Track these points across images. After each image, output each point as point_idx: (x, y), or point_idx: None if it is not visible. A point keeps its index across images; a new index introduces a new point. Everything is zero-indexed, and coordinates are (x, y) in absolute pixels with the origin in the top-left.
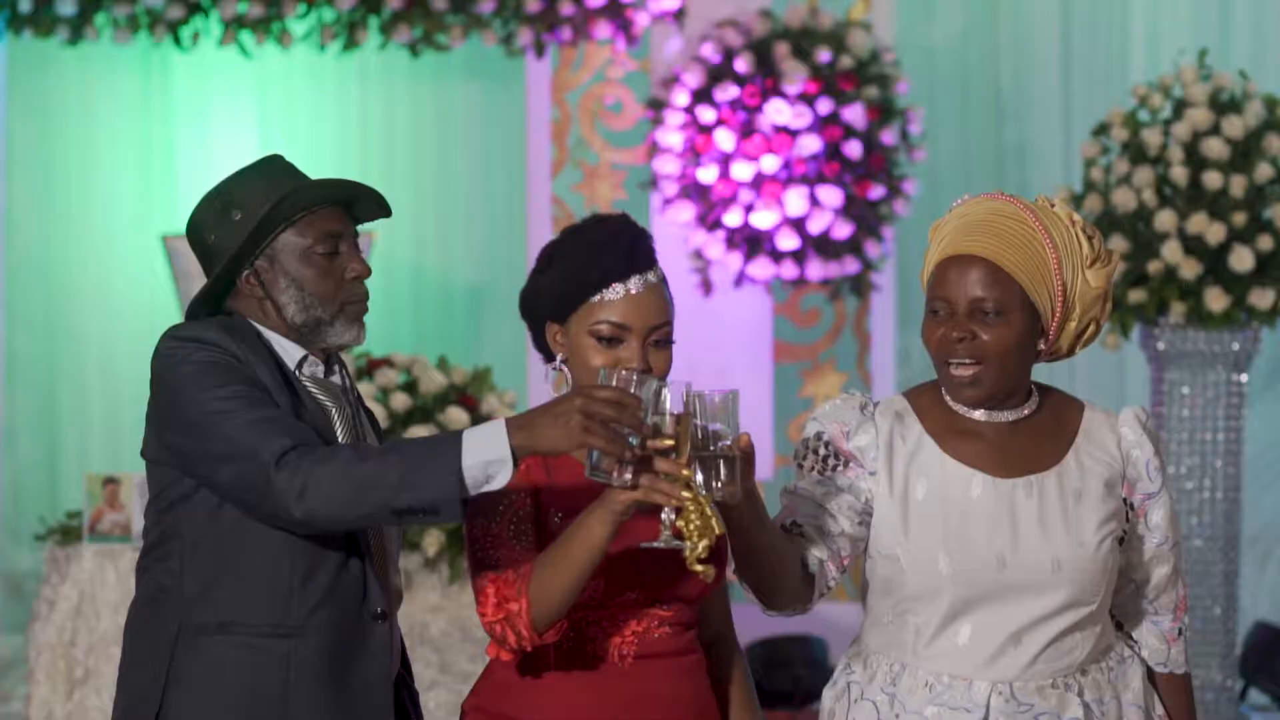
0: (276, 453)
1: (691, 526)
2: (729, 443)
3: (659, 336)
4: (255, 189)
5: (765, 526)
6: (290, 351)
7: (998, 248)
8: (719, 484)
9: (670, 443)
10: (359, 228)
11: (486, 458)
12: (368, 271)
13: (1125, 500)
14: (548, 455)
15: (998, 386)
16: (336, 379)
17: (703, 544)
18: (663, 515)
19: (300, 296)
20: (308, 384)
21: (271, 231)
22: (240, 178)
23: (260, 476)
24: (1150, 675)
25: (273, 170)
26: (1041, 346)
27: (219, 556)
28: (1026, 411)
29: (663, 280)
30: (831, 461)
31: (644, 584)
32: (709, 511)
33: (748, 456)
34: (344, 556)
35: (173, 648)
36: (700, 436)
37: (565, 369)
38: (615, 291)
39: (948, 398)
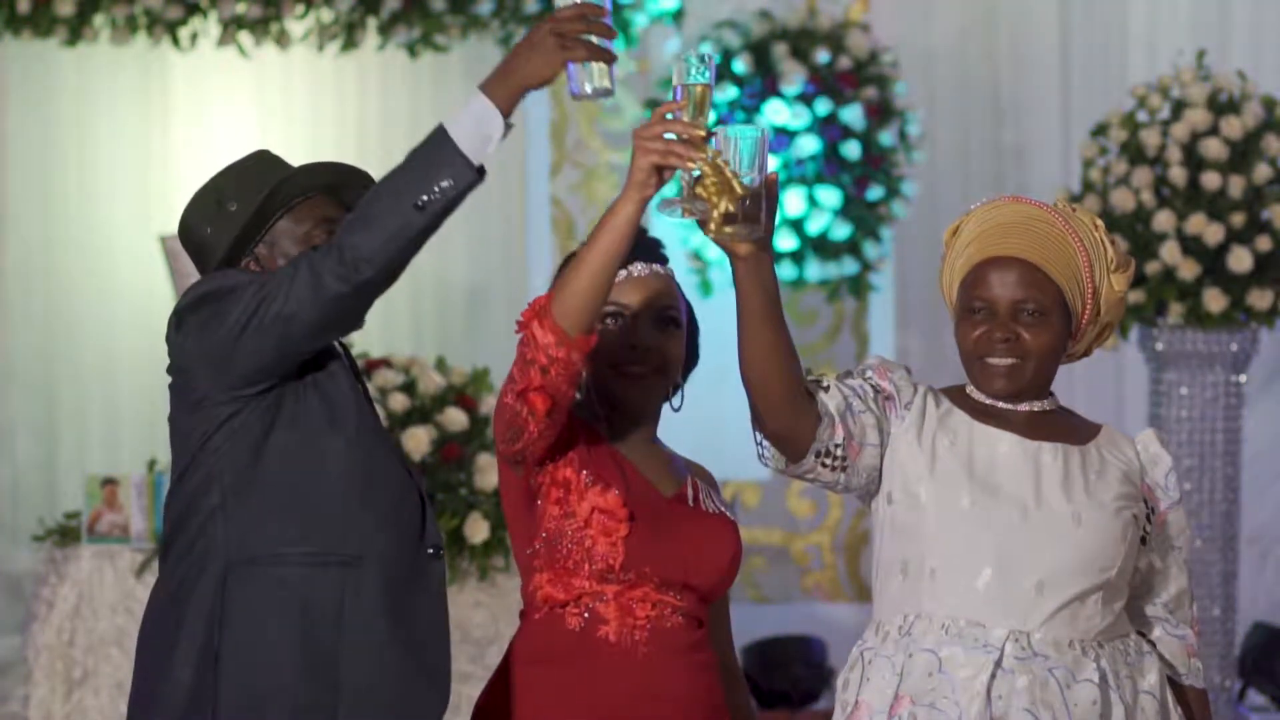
0: (307, 255)
1: (710, 186)
2: (750, 181)
3: (664, 318)
4: (247, 181)
5: (777, 294)
6: None
7: (1038, 251)
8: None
9: (684, 105)
10: None
11: (472, 117)
12: None
13: (1146, 503)
14: (536, 87)
15: (1031, 382)
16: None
17: (724, 203)
18: (682, 180)
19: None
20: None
21: (270, 218)
22: (229, 172)
23: (307, 270)
24: (1171, 682)
25: (261, 163)
26: (1069, 348)
27: (265, 492)
28: (1047, 407)
29: (672, 277)
30: (876, 391)
31: (658, 559)
32: (729, 173)
33: (772, 193)
34: (402, 488)
35: (223, 583)
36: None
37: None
38: (618, 275)
39: (975, 393)
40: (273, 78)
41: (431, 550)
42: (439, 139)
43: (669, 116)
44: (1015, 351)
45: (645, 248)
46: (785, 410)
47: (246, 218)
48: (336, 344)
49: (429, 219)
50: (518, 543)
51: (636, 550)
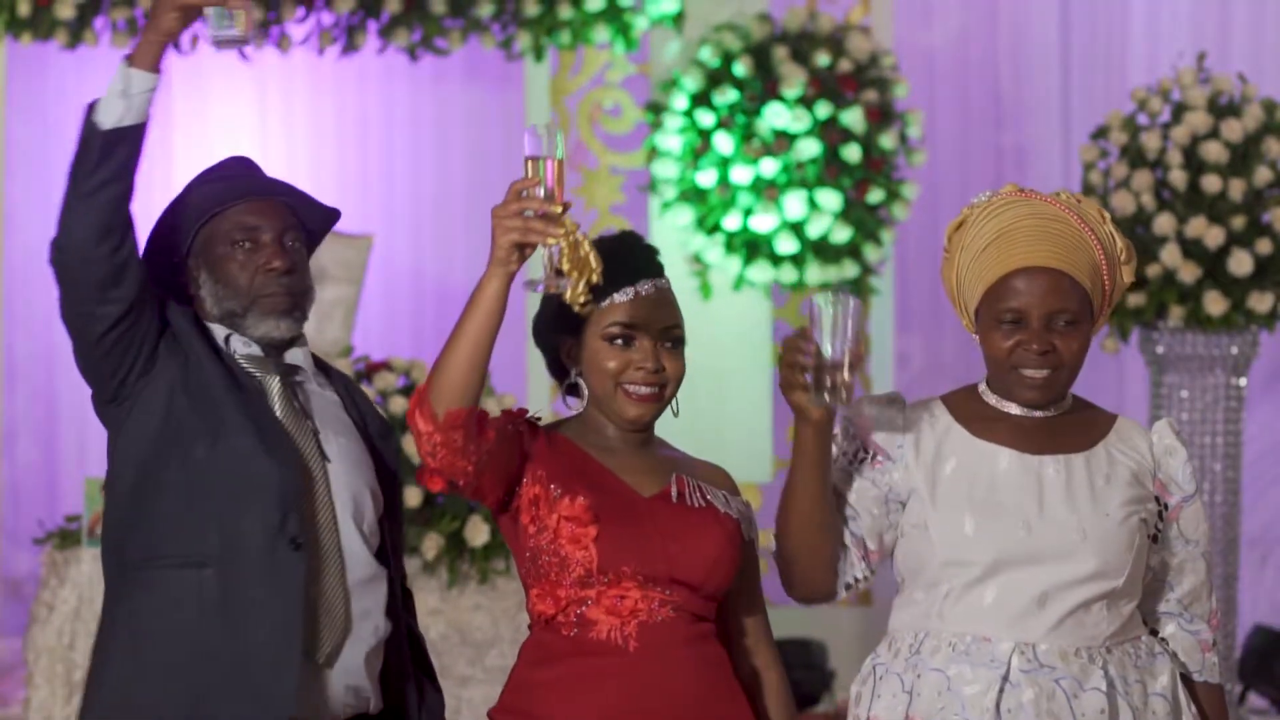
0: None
1: (567, 263)
2: (833, 352)
3: (670, 337)
4: (189, 190)
5: (828, 467)
6: (218, 332)
7: (1066, 256)
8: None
9: (537, 181)
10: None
11: (111, 83)
12: (284, 266)
13: (1158, 499)
14: (171, 36)
15: (1065, 389)
16: (299, 361)
17: (582, 282)
18: (543, 257)
19: (215, 290)
20: (241, 361)
21: (187, 229)
22: (194, 180)
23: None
24: (1184, 680)
25: (218, 172)
26: None
27: (136, 495)
28: (1063, 409)
29: (670, 288)
30: (860, 455)
31: (636, 557)
32: (588, 249)
33: (858, 361)
34: (263, 482)
35: (113, 592)
36: (816, 344)
37: (581, 381)
38: (625, 294)
39: (987, 395)
40: (273, 80)
41: (290, 541)
42: (87, 112)
43: (524, 194)
44: (1052, 362)
45: (646, 262)
46: (816, 580)
47: (169, 228)
48: (269, 388)
49: (77, 172)
50: (516, 563)
51: (611, 551)
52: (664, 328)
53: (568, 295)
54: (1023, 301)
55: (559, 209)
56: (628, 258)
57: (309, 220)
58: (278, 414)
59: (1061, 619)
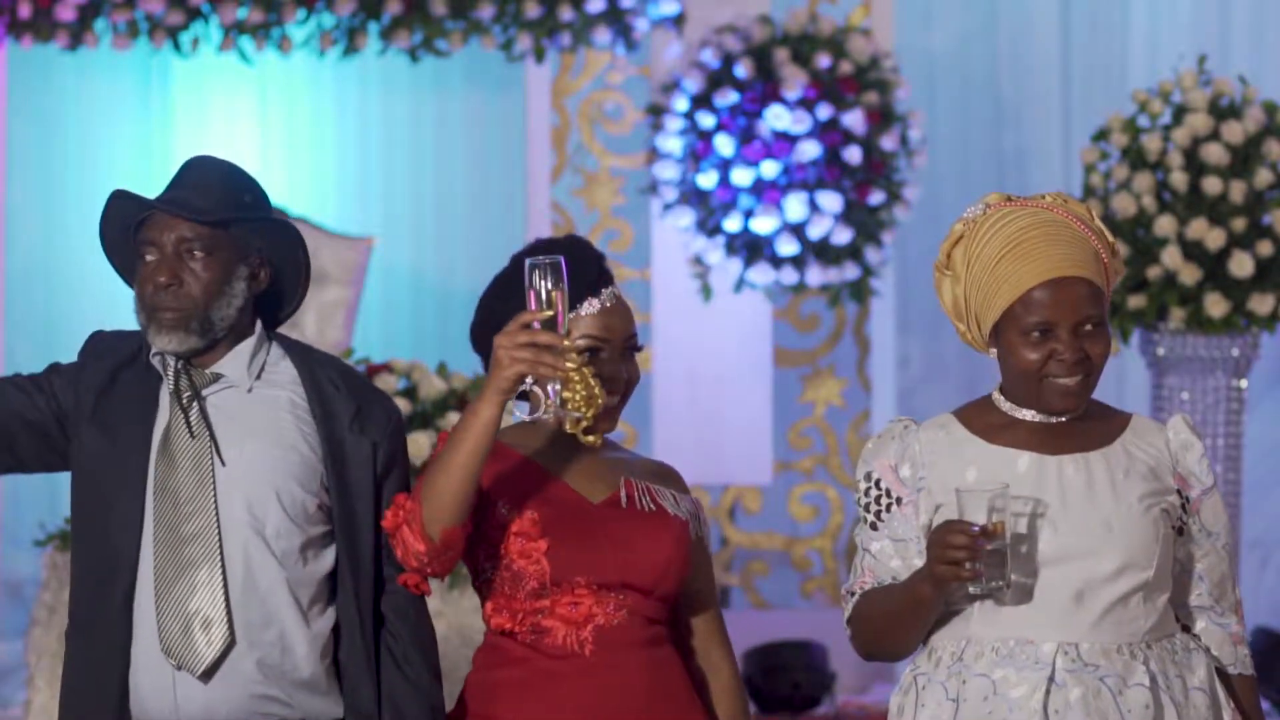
0: None
1: (578, 398)
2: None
3: (630, 345)
4: (105, 205)
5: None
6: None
7: (1080, 260)
8: (1001, 578)
9: (550, 314)
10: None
11: None
12: (165, 280)
13: (1180, 493)
14: None
15: (1092, 391)
16: (225, 369)
17: (590, 413)
18: (549, 388)
19: (136, 304)
20: (170, 376)
21: (108, 242)
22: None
23: None
24: (1219, 673)
25: (173, 181)
26: None
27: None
28: (1080, 410)
29: (622, 294)
30: (885, 501)
31: (589, 566)
32: (593, 382)
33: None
34: (114, 548)
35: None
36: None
37: (538, 390)
38: (591, 306)
39: (1001, 403)
40: (274, 83)
41: (120, 597)
42: None
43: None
44: (1085, 369)
45: (602, 271)
46: (897, 658)
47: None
48: (163, 406)
49: None
50: (471, 577)
51: (562, 561)
52: (624, 337)
53: (569, 427)
54: (1050, 313)
55: (569, 343)
56: (585, 267)
57: (275, 235)
58: (171, 439)
59: (1102, 616)
